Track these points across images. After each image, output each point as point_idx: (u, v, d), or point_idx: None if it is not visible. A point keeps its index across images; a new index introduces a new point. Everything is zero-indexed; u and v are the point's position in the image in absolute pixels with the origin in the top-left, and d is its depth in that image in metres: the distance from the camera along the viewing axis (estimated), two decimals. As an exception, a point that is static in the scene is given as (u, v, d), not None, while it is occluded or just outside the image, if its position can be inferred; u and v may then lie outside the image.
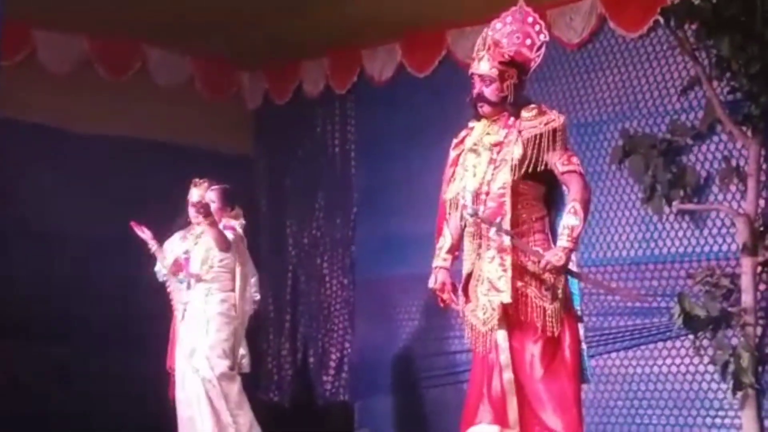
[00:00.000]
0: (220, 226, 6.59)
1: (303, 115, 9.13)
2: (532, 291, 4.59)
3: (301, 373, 9.05)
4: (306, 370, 9.03)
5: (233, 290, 6.68)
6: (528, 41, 4.73)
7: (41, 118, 7.87)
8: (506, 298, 4.54)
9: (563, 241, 4.51)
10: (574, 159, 4.64)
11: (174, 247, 6.75)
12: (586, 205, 4.56)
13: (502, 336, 4.60)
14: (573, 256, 4.58)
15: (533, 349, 4.58)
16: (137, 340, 7.63)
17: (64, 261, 7.86)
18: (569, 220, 4.51)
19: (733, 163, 6.65)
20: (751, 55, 6.16)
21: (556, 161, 4.59)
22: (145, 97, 8.53)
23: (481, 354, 4.66)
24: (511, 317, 4.59)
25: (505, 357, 4.59)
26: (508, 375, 4.58)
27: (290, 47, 8.58)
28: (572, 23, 7.41)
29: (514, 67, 4.67)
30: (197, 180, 6.68)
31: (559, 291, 4.59)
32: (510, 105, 4.70)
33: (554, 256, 4.49)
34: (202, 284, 6.62)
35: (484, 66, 4.68)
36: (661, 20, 6.69)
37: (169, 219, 6.77)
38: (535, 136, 4.62)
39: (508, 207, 4.59)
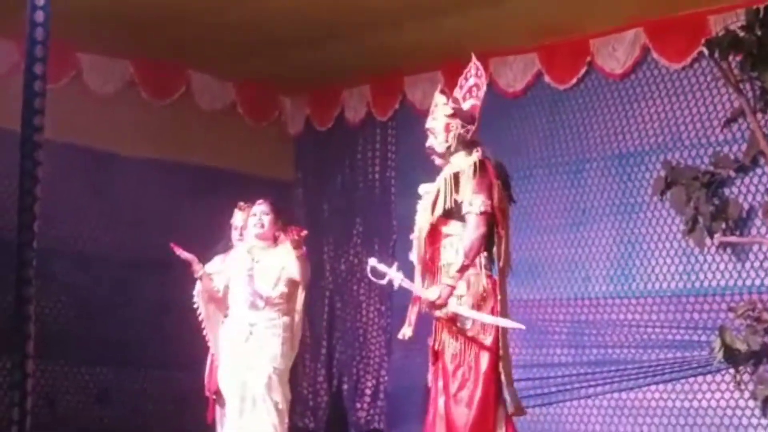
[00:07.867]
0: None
1: (344, 141, 9.16)
2: (443, 325, 4.84)
3: (337, 400, 9.02)
4: (341, 397, 8.99)
5: (289, 313, 6.35)
6: (468, 95, 5.10)
7: (85, 140, 7.92)
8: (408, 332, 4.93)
9: (443, 278, 4.75)
10: (477, 200, 4.75)
11: (216, 270, 6.66)
12: (470, 247, 4.71)
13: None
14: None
15: (446, 378, 4.80)
16: (176, 361, 7.66)
17: (105, 283, 7.88)
18: (451, 258, 4.75)
19: (776, 196, 6.60)
20: (796, 88, 6.15)
21: (465, 201, 4.77)
22: (188, 120, 8.60)
23: None
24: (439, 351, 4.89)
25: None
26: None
27: (333, 74, 8.62)
28: (615, 53, 7.40)
29: (458, 118, 4.96)
30: (242, 204, 6.59)
31: (467, 323, 4.75)
32: (453, 153, 4.93)
33: (429, 292, 4.74)
34: (269, 306, 6.22)
35: (430, 121, 5.03)
36: (705, 52, 6.67)
37: (211, 242, 6.76)
38: (449, 176, 4.84)
39: (422, 247, 4.86)
